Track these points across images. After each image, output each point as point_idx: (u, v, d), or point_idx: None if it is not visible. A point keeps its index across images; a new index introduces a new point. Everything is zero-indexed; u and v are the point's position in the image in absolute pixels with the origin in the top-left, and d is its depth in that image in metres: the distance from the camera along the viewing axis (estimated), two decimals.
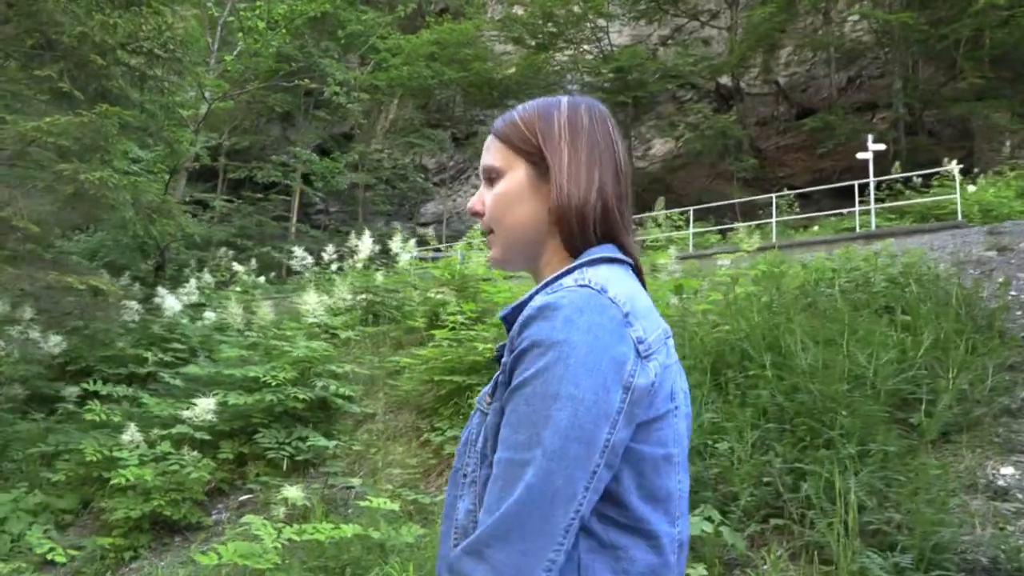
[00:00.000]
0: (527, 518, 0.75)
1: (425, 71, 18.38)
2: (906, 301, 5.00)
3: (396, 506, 4.38)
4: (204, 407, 5.35)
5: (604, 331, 0.79)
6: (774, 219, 12.10)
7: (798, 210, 13.36)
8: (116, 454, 5.64)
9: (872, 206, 11.71)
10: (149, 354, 7.11)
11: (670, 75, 20.50)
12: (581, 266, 0.90)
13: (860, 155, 12.50)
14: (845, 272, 5.75)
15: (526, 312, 0.83)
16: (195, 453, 5.47)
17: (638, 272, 0.97)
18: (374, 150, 18.02)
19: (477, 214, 1.00)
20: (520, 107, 1.02)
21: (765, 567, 3.38)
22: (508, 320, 0.91)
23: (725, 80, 24.69)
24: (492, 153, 0.99)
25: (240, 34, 10.89)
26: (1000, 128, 18.49)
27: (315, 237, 18.06)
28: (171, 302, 7.83)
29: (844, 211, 14.11)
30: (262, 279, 12.97)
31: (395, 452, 5.73)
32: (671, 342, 0.92)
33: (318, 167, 16.08)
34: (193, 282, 8.50)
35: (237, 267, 12.26)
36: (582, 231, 0.94)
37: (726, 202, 14.57)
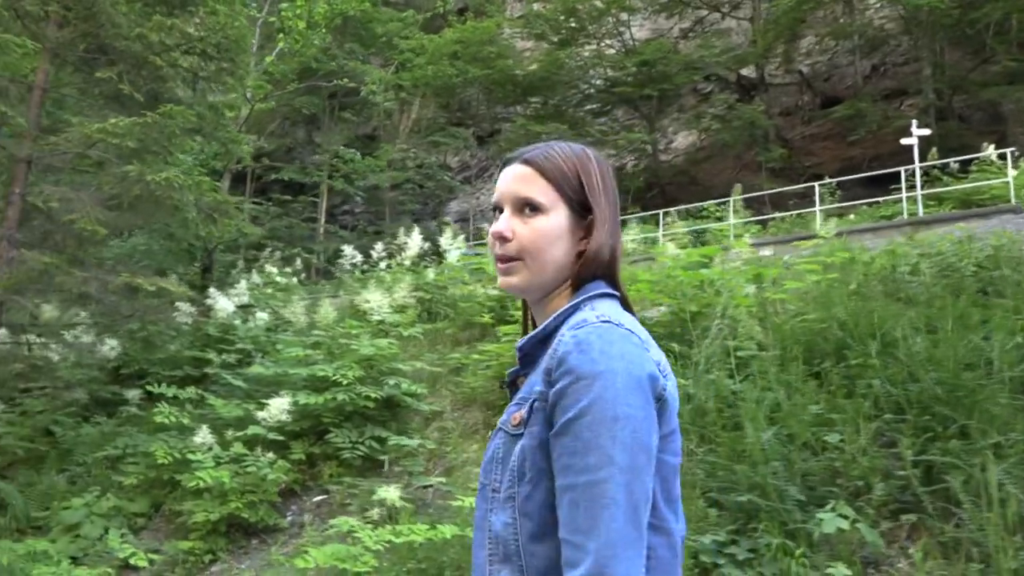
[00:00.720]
0: (625, 529, 0.84)
1: (449, 70, 18.29)
2: (1005, 285, 4.83)
3: None
4: (278, 407, 5.27)
5: (635, 356, 0.91)
6: (817, 207, 11.89)
7: (840, 198, 13.11)
8: (189, 456, 5.58)
9: (919, 192, 11.46)
10: (212, 355, 7.05)
11: (694, 67, 20.25)
12: (587, 301, 1.00)
13: (904, 140, 12.26)
14: (928, 258, 5.59)
15: (562, 348, 0.92)
16: (270, 454, 5.40)
17: (626, 303, 1.06)
18: (399, 149, 17.98)
19: (506, 240, 1.03)
20: (555, 147, 1.07)
21: (900, 564, 3.25)
22: (523, 350, 1.02)
23: (746, 71, 24.43)
24: (533, 187, 1.03)
25: (281, 34, 10.83)
26: None
27: (344, 237, 18.03)
28: (224, 303, 7.77)
29: (881, 199, 13.85)
30: (294, 280, 12.93)
31: (470, 450, 5.62)
32: (670, 366, 1.02)
33: (360, 165, 16.08)
34: (243, 283, 8.45)
35: (271, 268, 12.23)
36: (593, 273, 1.03)
37: (763, 192, 14.36)
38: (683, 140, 25.26)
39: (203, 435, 5.58)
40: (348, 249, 8.77)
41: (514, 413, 0.98)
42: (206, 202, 6.27)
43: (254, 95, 10.13)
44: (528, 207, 1.03)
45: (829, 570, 2.99)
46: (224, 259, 12.55)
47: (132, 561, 4.92)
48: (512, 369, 1.05)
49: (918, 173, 11.80)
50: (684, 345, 5.13)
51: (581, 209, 1.04)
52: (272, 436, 5.53)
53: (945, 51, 21.95)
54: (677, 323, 5.59)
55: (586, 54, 20.69)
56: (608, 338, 0.91)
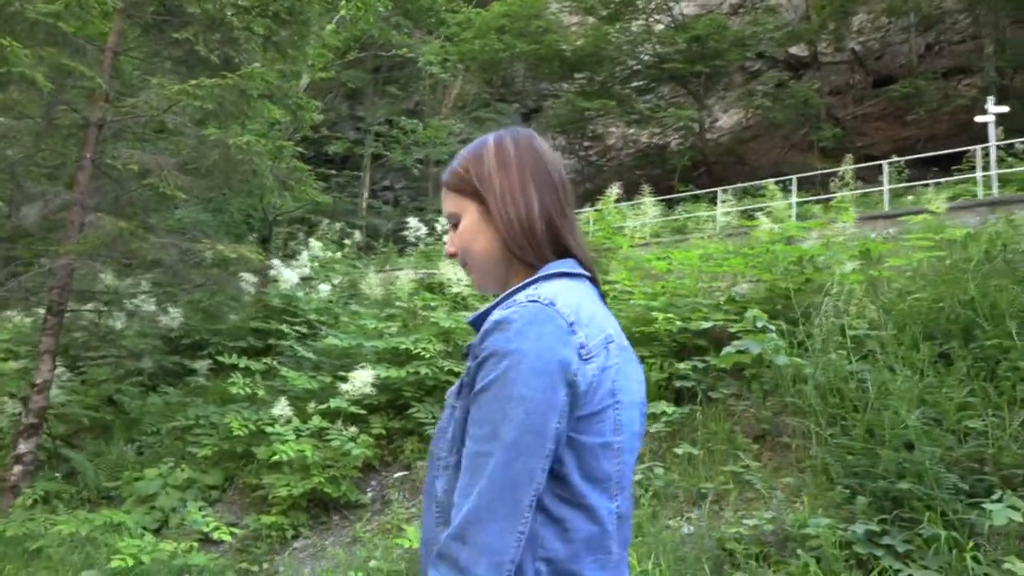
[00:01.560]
0: (496, 501, 0.88)
1: (496, 44, 17.91)
2: None
3: None
4: (363, 380, 5.11)
5: (551, 338, 0.92)
6: (886, 187, 11.42)
7: (908, 177, 12.58)
8: (265, 428, 5.47)
9: (994, 171, 10.93)
10: (276, 326, 6.92)
11: (745, 43, 19.62)
12: (535, 281, 1.02)
13: (979, 118, 11.69)
14: None
15: (485, 326, 0.96)
16: (352, 428, 5.25)
17: (595, 281, 1.09)
18: (443, 125, 17.73)
19: (452, 255, 1.13)
20: (458, 155, 1.14)
21: None
22: (475, 324, 1.04)
23: (795, 50, 23.69)
24: (447, 202, 1.12)
25: (343, 1, 10.62)
26: None
27: (387, 213, 17.90)
28: (288, 275, 7.64)
29: (944, 180, 13.26)
30: (339, 254, 12.79)
31: None
32: (612, 346, 1.00)
33: (421, 136, 15.89)
34: (305, 255, 8.32)
35: (314, 242, 12.11)
36: (532, 247, 1.05)
37: (823, 171, 13.86)
38: (728, 119, 24.60)
39: (281, 407, 5.45)
40: (413, 221, 8.57)
41: (455, 389, 1.04)
42: (281, 169, 6.09)
43: (315, 64, 9.95)
44: (454, 221, 1.11)
45: (1008, 566, 2.73)
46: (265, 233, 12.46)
47: (216, 535, 4.81)
48: (470, 343, 1.08)
49: (993, 153, 11.25)
50: (789, 323, 4.84)
51: (484, 198, 1.08)
52: (353, 410, 5.37)
53: (1007, 29, 21.03)
54: (776, 299, 5.31)
55: (634, 29, 20.15)
56: (528, 318, 0.93)
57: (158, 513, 5.52)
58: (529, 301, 0.95)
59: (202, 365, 6.91)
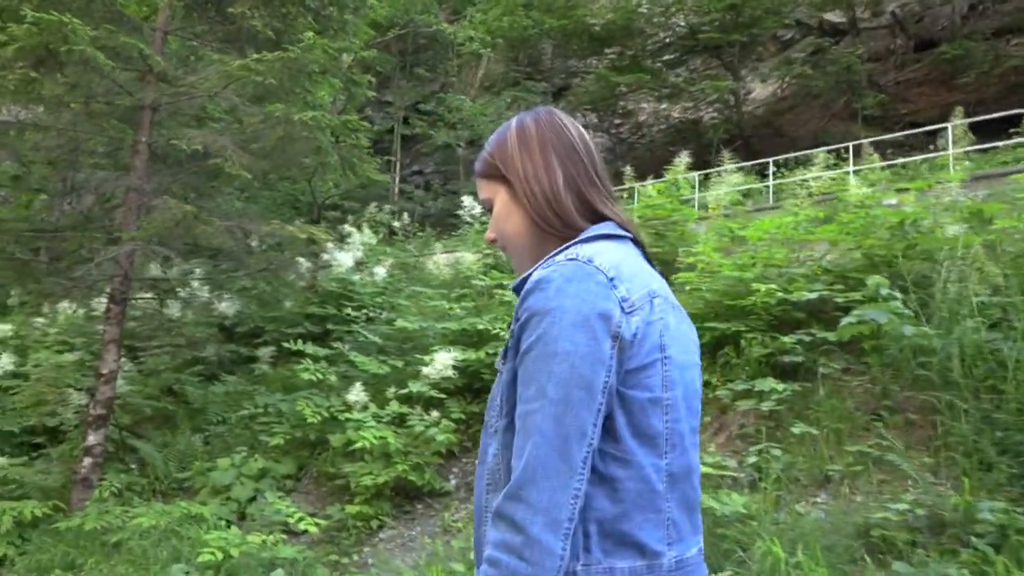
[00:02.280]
0: (548, 459, 0.89)
1: (525, 21, 17.46)
2: None
3: (707, 470, 3.81)
4: (443, 362, 4.88)
5: (591, 294, 0.94)
6: (951, 151, 10.92)
7: (973, 141, 12.01)
8: (343, 415, 5.28)
9: None
10: (333, 311, 6.72)
11: (781, 9, 18.98)
12: (576, 243, 1.03)
13: None
14: None
15: (526, 287, 0.98)
16: (434, 413, 5.04)
17: (639, 242, 1.11)
18: (485, 103, 17.35)
19: (492, 241, 1.17)
20: (486, 146, 1.18)
21: None
22: (517, 291, 1.05)
23: (832, 16, 22.91)
24: (481, 190, 1.17)
25: None
26: None
27: (418, 197, 17.66)
28: (343, 258, 7.44)
29: (1002, 144, 12.70)
30: (373, 240, 12.59)
31: None
32: (658, 301, 1.00)
33: (468, 113, 15.61)
34: (357, 238, 8.12)
35: (348, 228, 11.94)
36: (561, 219, 1.07)
37: (879, 138, 13.30)
38: (762, 90, 23.89)
39: (356, 393, 5.26)
40: (467, 200, 8.32)
41: (502, 355, 1.03)
42: (344, 146, 5.86)
43: (356, 41, 9.68)
44: (488, 207, 1.15)
45: None
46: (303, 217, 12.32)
47: (301, 526, 4.64)
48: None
49: None
50: (900, 292, 4.51)
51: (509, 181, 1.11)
52: (432, 394, 5.16)
53: None
54: (877, 267, 4.97)
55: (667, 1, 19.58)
56: (567, 276, 0.94)
57: (234, 504, 5.38)
58: (568, 260, 0.96)
59: (265, 352, 6.75)
